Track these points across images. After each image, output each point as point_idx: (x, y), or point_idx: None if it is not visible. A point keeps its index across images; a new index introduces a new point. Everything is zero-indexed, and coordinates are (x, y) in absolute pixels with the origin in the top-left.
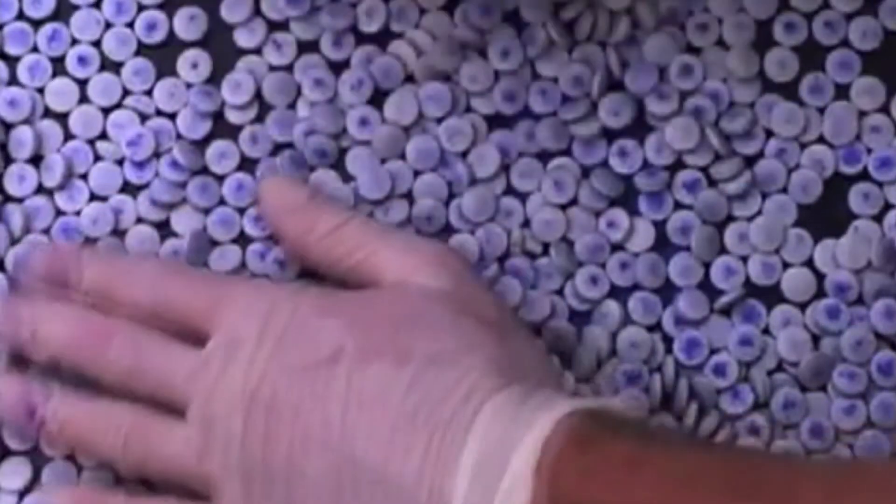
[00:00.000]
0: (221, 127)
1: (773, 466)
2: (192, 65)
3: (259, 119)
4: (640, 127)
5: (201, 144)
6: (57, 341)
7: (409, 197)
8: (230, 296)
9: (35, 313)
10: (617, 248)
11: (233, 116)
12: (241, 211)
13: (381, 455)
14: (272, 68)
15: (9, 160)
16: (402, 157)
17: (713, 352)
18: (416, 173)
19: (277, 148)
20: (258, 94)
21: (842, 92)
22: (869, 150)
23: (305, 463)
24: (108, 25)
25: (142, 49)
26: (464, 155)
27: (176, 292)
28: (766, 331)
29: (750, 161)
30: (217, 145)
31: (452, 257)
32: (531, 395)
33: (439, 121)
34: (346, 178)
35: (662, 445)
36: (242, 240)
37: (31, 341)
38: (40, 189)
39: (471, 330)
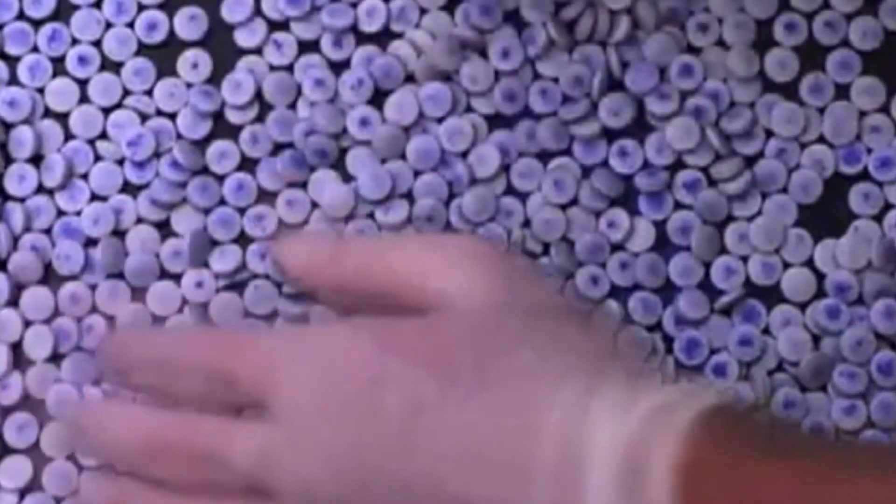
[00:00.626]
0: (222, 127)
1: None
2: (193, 65)
3: (259, 119)
4: (640, 127)
5: (201, 144)
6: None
7: (409, 197)
8: (276, 361)
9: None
10: (617, 248)
11: (233, 116)
12: (242, 211)
13: (495, 496)
14: (272, 68)
15: (9, 160)
16: (403, 157)
17: (713, 352)
18: (417, 173)
19: (277, 148)
20: (258, 94)
21: (842, 92)
22: (869, 150)
23: None
24: (109, 25)
25: (142, 49)
26: (464, 155)
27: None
28: (766, 331)
29: (750, 161)
30: (217, 145)
31: (488, 251)
32: (639, 391)
33: (439, 121)
34: (347, 178)
35: (843, 473)
36: (243, 240)
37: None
38: (40, 189)
39: (542, 329)
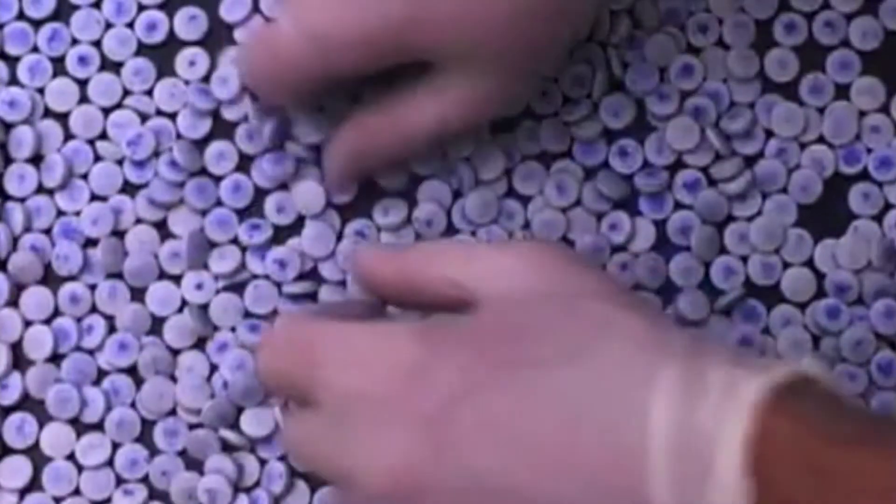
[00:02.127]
0: (221, 125)
1: None
2: (190, 62)
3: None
4: (640, 127)
5: (201, 144)
6: None
7: (411, 198)
8: (324, 360)
9: None
10: (618, 248)
11: (227, 113)
12: (239, 212)
13: (556, 484)
14: None
15: (9, 160)
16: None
17: None
18: (420, 178)
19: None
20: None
21: (842, 92)
22: (869, 150)
23: None
24: (109, 25)
25: (142, 49)
26: (467, 158)
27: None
28: (766, 331)
29: (750, 161)
30: (216, 146)
31: (544, 252)
32: (706, 366)
33: None
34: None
35: None
36: (240, 240)
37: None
38: (40, 189)
39: (595, 308)
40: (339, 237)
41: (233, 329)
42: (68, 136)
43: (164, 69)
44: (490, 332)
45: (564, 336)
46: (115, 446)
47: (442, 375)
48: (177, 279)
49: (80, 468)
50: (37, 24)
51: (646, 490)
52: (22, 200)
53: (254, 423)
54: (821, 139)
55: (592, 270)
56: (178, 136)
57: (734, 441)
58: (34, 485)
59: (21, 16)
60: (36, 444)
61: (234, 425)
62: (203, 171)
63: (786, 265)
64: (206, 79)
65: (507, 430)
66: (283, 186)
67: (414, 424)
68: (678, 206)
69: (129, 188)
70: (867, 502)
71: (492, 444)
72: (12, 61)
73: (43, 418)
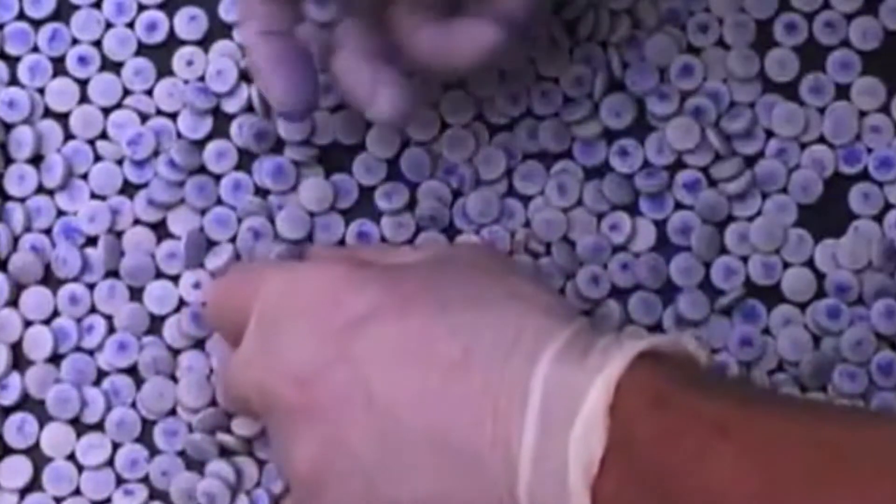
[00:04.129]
0: (221, 122)
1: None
2: (188, 62)
3: (250, 109)
4: (640, 127)
5: (201, 144)
6: None
7: (411, 199)
8: (264, 281)
9: None
10: (618, 248)
11: (227, 106)
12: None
13: (431, 415)
14: None
15: (9, 160)
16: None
17: (713, 352)
18: (420, 178)
19: (278, 145)
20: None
21: (842, 92)
22: (869, 150)
23: (348, 433)
24: (109, 25)
25: (142, 49)
26: (467, 158)
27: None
28: (766, 331)
29: (750, 161)
30: (215, 144)
31: (474, 246)
32: (594, 335)
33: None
34: (329, 174)
35: (756, 407)
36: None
37: None
38: (40, 189)
39: (512, 280)
40: (343, 238)
41: None
42: (68, 136)
43: (164, 69)
44: (413, 275)
45: (476, 290)
46: (116, 446)
47: (362, 298)
48: (174, 279)
49: (80, 468)
50: (37, 24)
51: (518, 430)
52: (22, 200)
53: (247, 423)
54: (821, 139)
55: (517, 270)
56: (179, 135)
57: (603, 384)
58: (34, 485)
59: (21, 16)
60: (36, 445)
61: (229, 429)
62: (202, 170)
63: (786, 265)
64: (204, 78)
65: (401, 352)
66: (285, 185)
67: (325, 335)
68: (678, 206)
69: (128, 188)
70: (690, 433)
71: (386, 361)
72: (12, 61)
73: (43, 418)
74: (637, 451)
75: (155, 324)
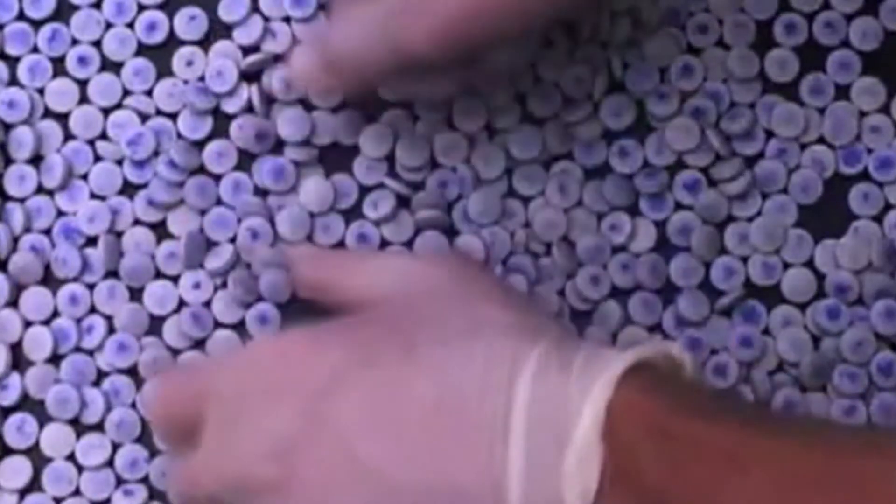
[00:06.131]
0: (221, 122)
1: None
2: (188, 62)
3: (249, 109)
4: (640, 127)
5: (200, 144)
6: None
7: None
8: (211, 380)
9: None
10: (618, 249)
11: (227, 106)
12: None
13: (417, 466)
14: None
15: (9, 160)
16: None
17: (713, 352)
18: (420, 178)
19: (278, 146)
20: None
21: (842, 92)
22: (869, 151)
23: (339, 500)
24: (109, 26)
25: (142, 49)
26: (467, 158)
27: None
28: (766, 331)
29: (750, 161)
30: (215, 145)
31: (444, 258)
32: (568, 349)
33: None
34: (329, 174)
35: (764, 432)
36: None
37: None
38: (40, 189)
39: (475, 304)
40: (343, 239)
41: (234, 327)
42: (68, 136)
43: (164, 69)
44: (374, 322)
45: (440, 326)
46: (115, 447)
47: (325, 359)
48: (174, 279)
49: (80, 468)
50: (37, 24)
51: (503, 463)
52: (22, 201)
53: None
54: (821, 139)
55: (485, 276)
56: (179, 136)
57: (593, 409)
58: (34, 485)
59: (21, 16)
60: (36, 445)
61: None
62: (202, 170)
63: (786, 265)
64: (204, 78)
65: (375, 405)
66: (285, 185)
67: (295, 407)
68: (678, 206)
69: (128, 188)
70: (699, 463)
71: (362, 418)
72: (12, 61)
73: (43, 419)
74: (641, 480)
75: (155, 324)
